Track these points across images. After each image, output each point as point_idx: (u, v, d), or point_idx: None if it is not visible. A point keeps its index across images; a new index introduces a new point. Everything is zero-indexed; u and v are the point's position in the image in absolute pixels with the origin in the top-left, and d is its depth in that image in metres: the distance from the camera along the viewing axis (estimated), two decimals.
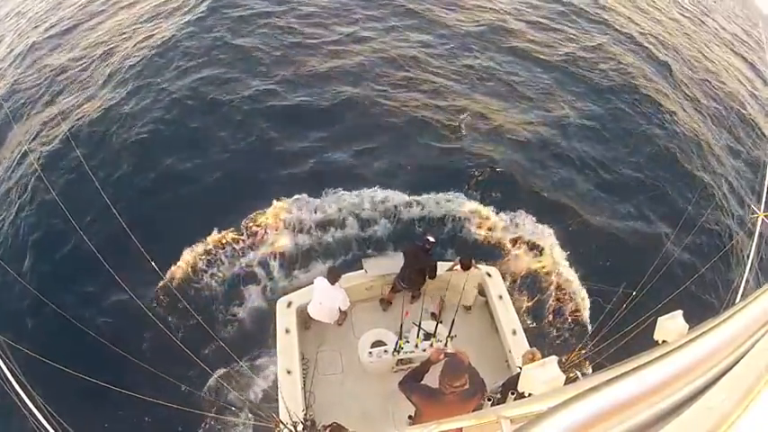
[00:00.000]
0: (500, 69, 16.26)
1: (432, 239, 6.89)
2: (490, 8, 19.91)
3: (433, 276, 6.87)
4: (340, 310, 6.77)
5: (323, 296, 6.52)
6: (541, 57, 17.29)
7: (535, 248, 10.79)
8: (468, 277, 6.65)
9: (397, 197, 11.12)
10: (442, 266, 7.04)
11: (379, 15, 18.16)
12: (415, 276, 6.87)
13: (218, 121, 12.87)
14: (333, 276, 6.47)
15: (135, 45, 15.75)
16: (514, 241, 10.80)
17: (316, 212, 10.68)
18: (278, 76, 14.42)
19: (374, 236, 10.57)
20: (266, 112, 13.15)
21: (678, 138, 15.41)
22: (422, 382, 4.34)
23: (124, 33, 16.65)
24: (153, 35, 16.15)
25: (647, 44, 20.10)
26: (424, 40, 17.02)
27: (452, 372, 3.91)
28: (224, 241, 10.11)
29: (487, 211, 11.22)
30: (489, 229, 10.94)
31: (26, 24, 18.94)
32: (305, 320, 6.91)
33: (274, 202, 10.72)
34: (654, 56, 19.42)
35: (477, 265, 6.98)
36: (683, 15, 25.80)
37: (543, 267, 10.51)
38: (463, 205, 11.20)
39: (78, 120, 12.83)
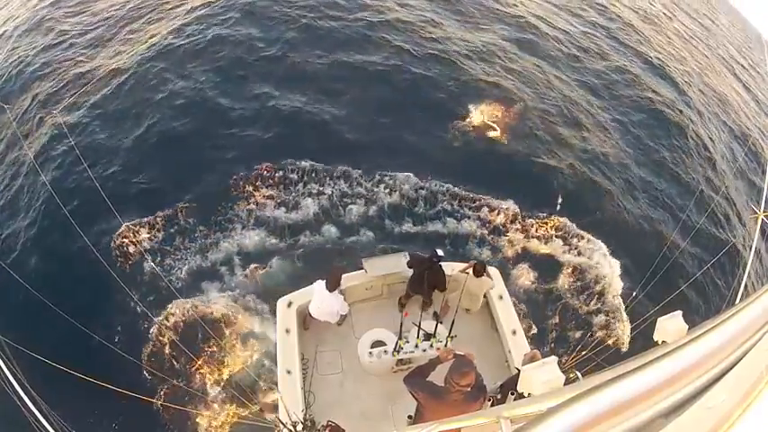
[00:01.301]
0: (531, 71, 16.40)
1: (441, 253, 6.75)
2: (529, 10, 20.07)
3: (443, 289, 6.78)
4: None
5: (321, 301, 6.51)
6: (569, 68, 17.63)
7: (539, 249, 10.80)
8: (479, 283, 6.61)
9: (408, 182, 11.34)
10: (454, 266, 7.00)
11: (415, 4, 18.26)
12: (418, 282, 6.81)
13: (227, 99, 12.89)
14: (332, 283, 6.36)
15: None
16: (520, 243, 10.81)
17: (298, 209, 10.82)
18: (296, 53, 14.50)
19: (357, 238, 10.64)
20: (276, 87, 13.26)
21: (679, 141, 15.43)
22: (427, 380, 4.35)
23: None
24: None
25: (657, 62, 20.48)
26: (463, 36, 17.08)
27: (461, 370, 3.93)
28: (221, 231, 10.15)
29: (496, 204, 11.33)
30: (495, 227, 10.99)
31: None
32: (305, 320, 6.90)
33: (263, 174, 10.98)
34: (664, 73, 19.79)
35: (489, 271, 6.90)
36: (690, 36, 26.32)
37: (546, 269, 10.51)
38: (473, 199, 11.31)
39: (73, 105, 12.74)
